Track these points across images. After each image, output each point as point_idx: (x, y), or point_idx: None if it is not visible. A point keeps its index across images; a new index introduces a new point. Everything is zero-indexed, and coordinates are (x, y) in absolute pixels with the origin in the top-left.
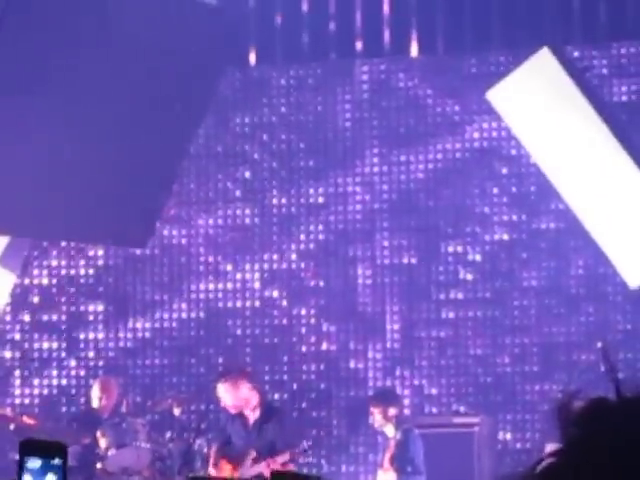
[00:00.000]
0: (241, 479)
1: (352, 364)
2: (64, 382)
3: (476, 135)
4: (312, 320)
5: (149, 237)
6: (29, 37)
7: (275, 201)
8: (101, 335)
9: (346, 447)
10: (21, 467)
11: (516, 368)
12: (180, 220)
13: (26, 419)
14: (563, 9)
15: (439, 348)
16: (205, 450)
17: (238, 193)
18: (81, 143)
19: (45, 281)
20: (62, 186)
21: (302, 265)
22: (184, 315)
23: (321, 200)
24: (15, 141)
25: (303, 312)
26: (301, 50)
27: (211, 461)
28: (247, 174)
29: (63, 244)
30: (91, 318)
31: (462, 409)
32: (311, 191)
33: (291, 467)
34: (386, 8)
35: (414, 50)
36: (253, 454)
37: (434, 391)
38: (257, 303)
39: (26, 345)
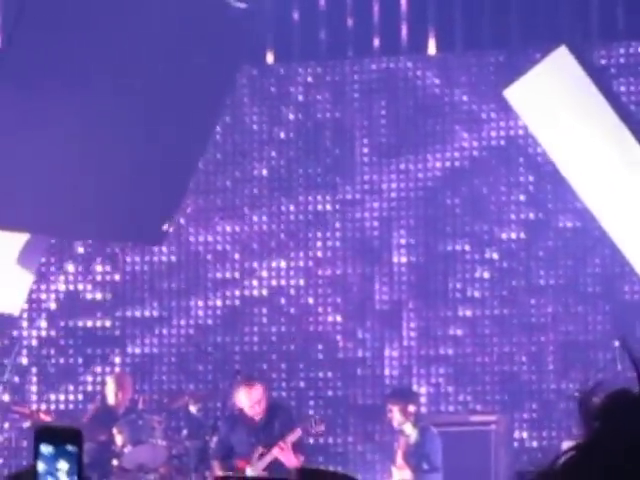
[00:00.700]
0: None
1: (369, 362)
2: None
3: (493, 133)
4: (329, 318)
5: (165, 234)
6: (47, 34)
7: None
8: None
9: (362, 452)
10: (36, 453)
11: (532, 367)
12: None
13: (43, 415)
14: (581, 7)
15: (456, 347)
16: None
17: (255, 191)
18: (98, 141)
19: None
20: (79, 184)
21: (319, 270)
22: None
23: (337, 205)
24: (33, 138)
25: (320, 310)
26: (318, 47)
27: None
28: (264, 172)
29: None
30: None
31: (479, 407)
32: (326, 197)
33: (299, 452)
34: (404, 5)
35: (432, 47)
36: (260, 450)
37: (451, 389)
38: (275, 303)
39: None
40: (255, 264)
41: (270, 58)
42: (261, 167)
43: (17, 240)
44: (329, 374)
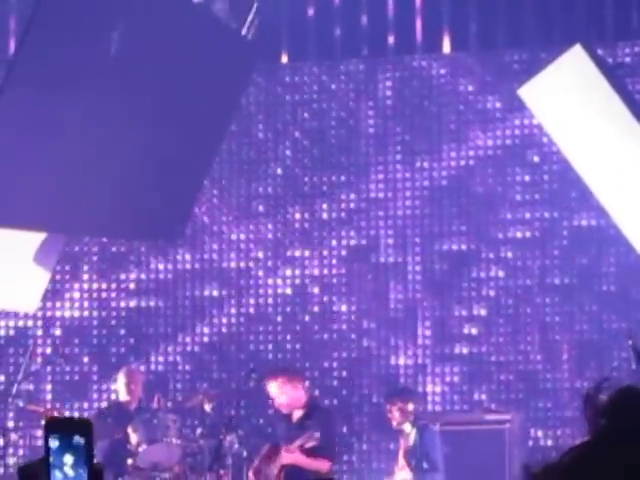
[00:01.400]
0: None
1: (383, 361)
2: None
3: (508, 132)
4: (343, 317)
5: (182, 231)
6: (60, 34)
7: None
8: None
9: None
10: (47, 445)
11: (547, 365)
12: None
13: (57, 414)
14: (596, 6)
15: (470, 346)
16: (236, 446)
17: (270, 190)
18: (113, 137)
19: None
20: (94, 181)
21: (334, 270)
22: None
23: (352, 205)
24: (47, 136)
25: (335, 308)
26: (333, 46)
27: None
28: (278, 171)
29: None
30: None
31: (493, 406)
32: (341, 197)
33: (321, 456)
34: (418, 3)
35: (446, 46)
36: (280, 450)
37: (465, 388)
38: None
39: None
40: (261, 272)
41: (284, 57)
42: (274, 168)
43: (34, 239)
44: (344, 373)
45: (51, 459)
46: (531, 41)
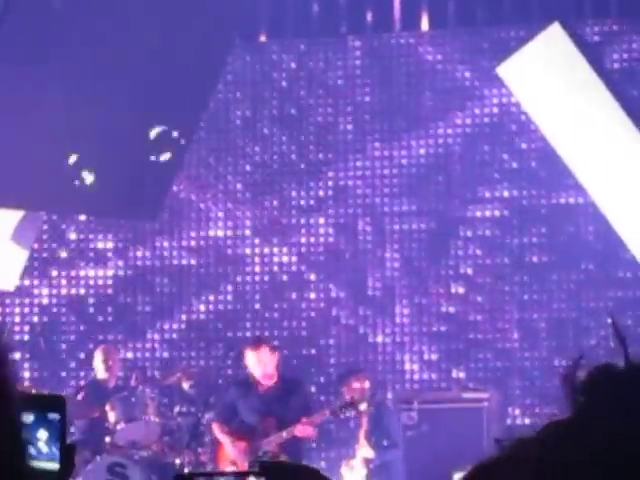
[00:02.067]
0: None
1: (361, 330)
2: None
3: (486, 110)
4: (322, 293)
5: (159, 210)
6: (45, 8)
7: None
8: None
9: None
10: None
11: (525, 344)
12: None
13: (35, 392)
14: None
15: (449, 324)
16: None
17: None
18: (90, 119)
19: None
20: (74, 161)
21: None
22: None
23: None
24: (28, 118)
25: (312, 277)
26: (311, 23)
27: (221, 439)
28: (256, 158)
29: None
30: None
31: (471, 385)
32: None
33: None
34: None
35: (425, 24)
36: (273, 422)
37: (443, 366)
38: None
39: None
40: (248, 250)
41: (262, 36)
42: (252, 155)
43: (12, 217)
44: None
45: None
46: (510, 19)
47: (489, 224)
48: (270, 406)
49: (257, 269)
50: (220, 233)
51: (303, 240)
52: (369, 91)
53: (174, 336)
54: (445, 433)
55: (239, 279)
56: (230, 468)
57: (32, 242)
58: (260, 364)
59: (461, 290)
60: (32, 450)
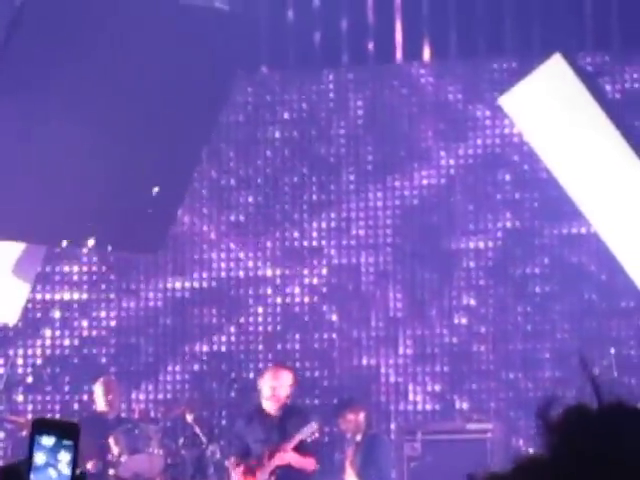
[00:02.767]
0: None
1: (364, 362)
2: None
3: (489, 141)
4: (321, 314)
5: (161, 243)
6: (44, 36)
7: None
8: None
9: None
10: (32, 444)
11: (528, 374)
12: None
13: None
14: (576, 15)
15: (452, 354)
16: (218, 456)
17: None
18: (91, 146)
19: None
20: (71, 190)
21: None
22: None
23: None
24: (23, 141)
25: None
26: (313, 53)
27: (233, 474)
28: (258, 190)
29: None
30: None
31: (475, 416)
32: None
33: (308, 454)
34: (398, 11)
35: (426, 54)
36: (267, 452)
37: (447, 397)
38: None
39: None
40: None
41: (264, 66)
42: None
43: (13, 250)
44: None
45: (43, 457)
46: (511, 50)
47: (492, 254)
48: (271, 434)
49: (260, 310)
50: (223, 274)
51: (306, 272)
52: (370, 122)
53: (177, 377)
54: (449, 464)
55: (242, 320)
56: None
57: (34, 275)
58: (275, 383)
59: (464, 320)
60: (53, 472)
